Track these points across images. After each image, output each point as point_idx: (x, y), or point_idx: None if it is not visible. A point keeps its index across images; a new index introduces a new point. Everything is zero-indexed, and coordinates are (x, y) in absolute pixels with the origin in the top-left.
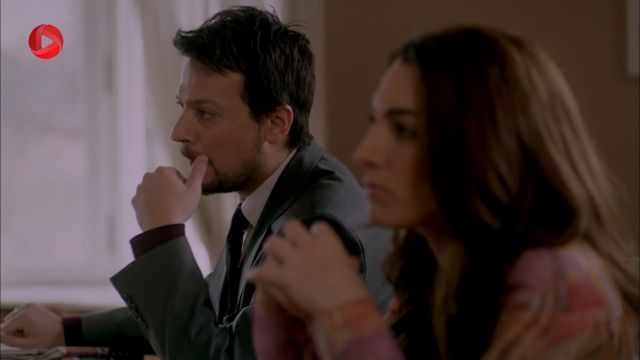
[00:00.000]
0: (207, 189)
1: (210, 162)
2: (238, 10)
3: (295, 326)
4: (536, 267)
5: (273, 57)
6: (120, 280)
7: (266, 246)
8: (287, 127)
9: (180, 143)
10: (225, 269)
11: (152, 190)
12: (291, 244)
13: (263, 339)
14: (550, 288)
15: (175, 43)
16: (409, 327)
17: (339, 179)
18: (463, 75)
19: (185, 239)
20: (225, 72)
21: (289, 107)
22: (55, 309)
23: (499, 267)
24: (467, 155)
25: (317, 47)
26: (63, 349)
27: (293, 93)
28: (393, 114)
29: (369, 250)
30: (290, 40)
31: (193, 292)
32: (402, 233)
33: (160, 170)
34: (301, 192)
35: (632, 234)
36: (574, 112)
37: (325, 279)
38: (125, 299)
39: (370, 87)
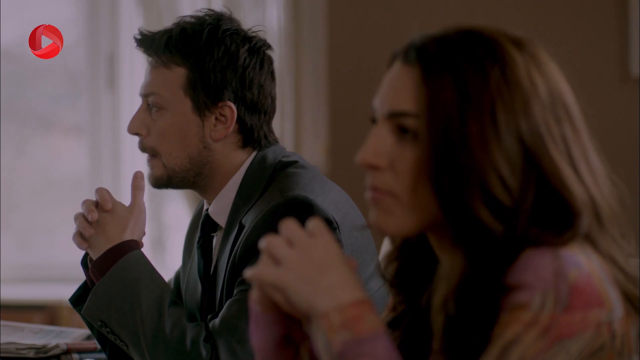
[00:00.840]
0: (158, 183)
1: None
2: (201, 11)
3: (291, 322)
4: (536, 266)
5: (216, 54)
6: (90, 311)
7: (261, 245)
8: (230, 124)
9: (137, 138)
10: (198, 279)
11: (97, 222)
12: (287, 243)
13: (260, 336)
14: (551, 287)
15: (134, 39)
16: (404, 324)
17: (303, 167)
18: (464, 76)
19: (139, 252)
20: (170, 65)
21: (231, 104)
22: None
23: (498, 268)
24: (468, 157)
25: (319, 48)
26: (63, 345)
27: (237, 91)
28: (394, 116)
29: (344, 226)
30: (240, 41)
31: (156, 297)
32: None
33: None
34: (268, 184)
35: (634, 234)
36: (575, 111)
37: (323, 280)
38: (99, 327)
39: (372, 89)
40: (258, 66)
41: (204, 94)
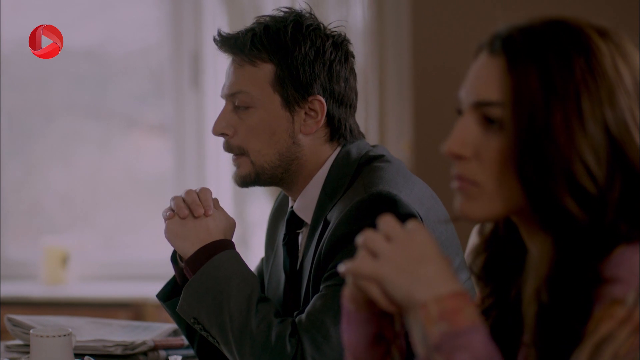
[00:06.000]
0: (245, 181)
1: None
2: (280, 10)
3: (383, 321)
4: (630, 262)
5: (303, 48)
6: (183, 309)
7: (358, 240)
8: (321, 118)
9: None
10: (282, 275)
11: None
12: (385, 238)
13: (351, 334)
14: None
15: (214, 41)
16: (492, 318)
17: (388, 161)
18: (549, 66)
19: (232, 250)
20: (256, 62)
21: (321, 98)
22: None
23: (588, 259)
24: (553, 146)
25: (403, 45)
26: (150, 342)
27: (325, 85)
28: (480, 106)
29: (428, 221)
30: (323, 35)
31: (246, 294)
32: (489, 226)
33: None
34: (353, 179)
35: None
36: None
37: (421, 271)
38: (193, 324)
39: (456, 85)
40: (343, 59)
41: (293, 89)
